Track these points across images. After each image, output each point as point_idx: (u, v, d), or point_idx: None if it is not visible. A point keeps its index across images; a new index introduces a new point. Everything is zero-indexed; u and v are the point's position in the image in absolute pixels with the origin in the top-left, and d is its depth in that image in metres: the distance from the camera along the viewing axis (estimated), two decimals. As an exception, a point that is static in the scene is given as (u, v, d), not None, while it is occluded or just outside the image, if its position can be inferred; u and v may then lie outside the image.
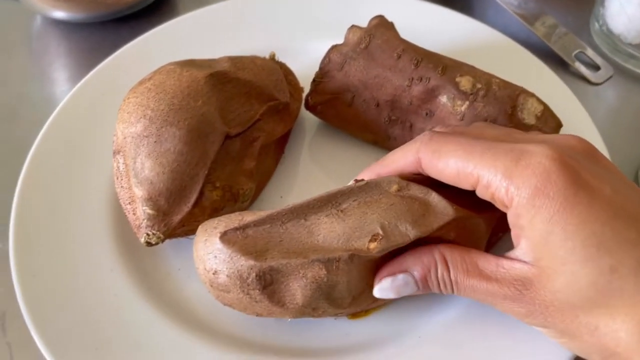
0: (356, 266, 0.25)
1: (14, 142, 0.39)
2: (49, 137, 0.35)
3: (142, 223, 0.29)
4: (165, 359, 0.28)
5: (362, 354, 0.28)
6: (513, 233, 0.24)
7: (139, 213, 0.29)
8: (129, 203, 0.30)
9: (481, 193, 0.24)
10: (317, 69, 0.35)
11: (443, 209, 0.25)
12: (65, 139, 0.35)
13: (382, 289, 0.26)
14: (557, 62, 0.42)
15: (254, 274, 0.25)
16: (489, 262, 0.24)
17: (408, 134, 0.33)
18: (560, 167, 0.22)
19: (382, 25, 0.33)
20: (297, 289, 0.25)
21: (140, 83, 0.31)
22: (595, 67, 0.42)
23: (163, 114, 0.29)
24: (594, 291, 0.22)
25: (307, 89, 0.37)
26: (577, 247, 0.22)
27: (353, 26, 0.33)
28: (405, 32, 0.38)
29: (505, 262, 0.24)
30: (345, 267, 0.25)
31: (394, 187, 0.26)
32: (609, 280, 0.21)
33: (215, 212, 0.30)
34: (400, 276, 0.25)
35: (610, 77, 0.42)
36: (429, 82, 0.31)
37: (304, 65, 0.38)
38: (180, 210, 0.29)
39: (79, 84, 0.37)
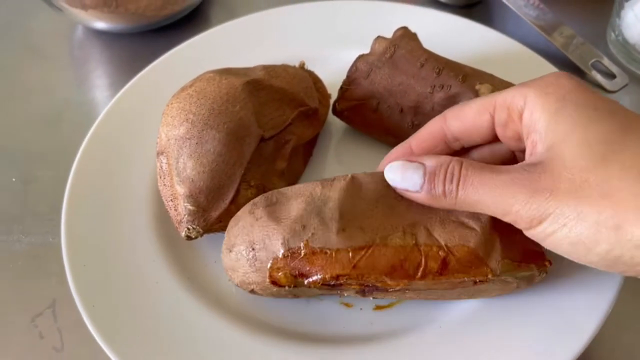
0: (350, 192, 0.27)
1: (61, 144, 0.42)
2: (96, 139, 0.37)
3: (183, 218, 0.31)
4: (200, 342, 0.30)
5: (385, 342, 0.30)
6: (528, 142, 0.25)
7: (181, 209, 0.31)
8: (171, 200, 0.32)
9: (499, 118, 0.26)
10: (343, 76, 0.37)
11: None
12: (110, 141, 0.37)
13: (392, 167, 0.27)
14: (574, 71, 0.44)
15: (263, 197, 0.29)
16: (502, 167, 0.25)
17: (430, 138, 0.35)
18: (568, 75, 0.25)
19: (406, 36, 0.35)
20: (293, 205, 0.28)
21: (182, 89, 0.33)
22: (611, 76, 0.43)
23: (204, 117, 0.31)
24: (604, 146, 0.23)
25: (333, 95, 0.39)
26: (589, 113, 0.23)
27: (379, 37, 0.35)
28: (428, 42, 0.40)
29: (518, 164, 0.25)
30: (339, 185, 0.28)
31: None
32: (621, 135, 0.23)
33: (250, 209, 0.33)
34: (414, 163, 0.26)
35: (626, 85, 0.43)
36: (450, 89, 0.33)
37: (331, 73, 0.41)
38: (218, 206, 0.31)
39: (122, 90, 0.40)
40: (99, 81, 0.47)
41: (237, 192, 0.32)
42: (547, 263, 0.29)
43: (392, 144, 0.36)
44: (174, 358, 0.29)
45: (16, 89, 0.47)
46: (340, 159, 0.38)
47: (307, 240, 0.27)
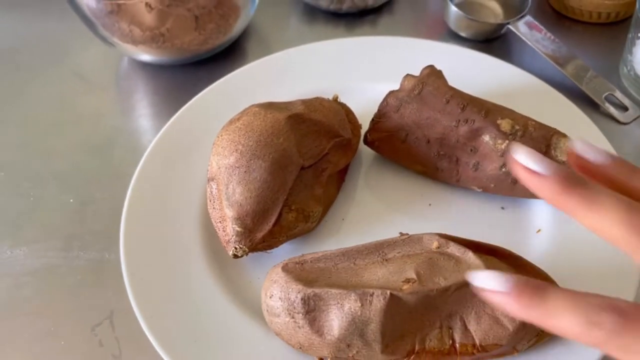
0: (390, 311, 0.28)
1: (113, 168, 0.46)
2: (149, 165, 0.41)
3: (231, 238, 0.35)
4: (244, 350, 0.33)
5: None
6: None
7: (229, 230, 0.35)
8: (220, 222, 0.36)
9: None
10: (373, 108, 0.41)
11: (476, 266, 0.29)
12: (162, 167, 0.41)
13: (483, 276, 0.22)
14: (588, 103, 0.47)
15: (300, 297, 0.29)
16: None
17: (454, 166, 0.38)
18: None
19: (432, 74, 0.38)
20: (334, 319, 0.29)
21: (231, 122, 0.37)
22: (624, 108, 0.46)
23: (252, 148, 0.35)
24: None
25: (364, 125, 0.42)
26: None
27: (407, 75, 0.39)
28: (451, 76, 0.43)
29: None
30: (378, 305, 0.28)
31: (435, 244, 0.31)
32: None
33: (290, 230, 0.36)
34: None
35: (638, 117, 0.46)
36: (473, 123, 0.36)
37: (362, 105, 0.44)
38: (262, 228, 0.35)
39: (171, 119, 0.44)
40: (144, 110, 0.51)
41: (280, 215, 0.35)
42: None
43: (420, 172, 0.40)
44: (224, 365, 0.32)
45: (69, 116, 0.51)
46: (370, 185, 0.42)
47: (352, 356, 0.30)
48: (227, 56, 0.55)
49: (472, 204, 0.39)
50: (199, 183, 0.40)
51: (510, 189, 0.37)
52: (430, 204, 0.40)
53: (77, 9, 0.49)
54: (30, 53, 0.57)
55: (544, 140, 0.36)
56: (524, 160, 0.23)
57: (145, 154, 0.42)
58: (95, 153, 0.48)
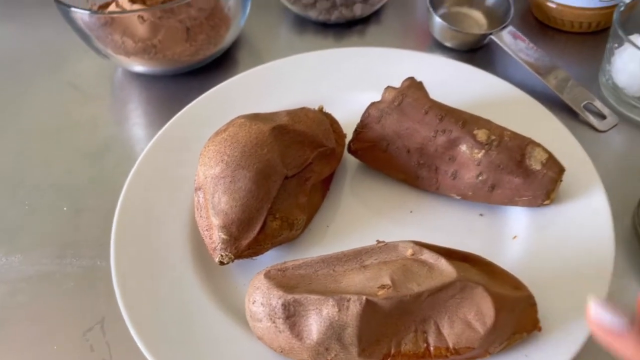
0: (366, 315, 0.29)
1: (107, 176, 0.47)
2: (139, 174, 0.42)
3: (217, 246, 0.36)
4: (228, 354, 0.34)
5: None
6: None
7: (215, 238, 0.36)
8: (207, 230, 0.37)
9: None
10: (357, 117, 0.42)
11: (449, 273, 0.30)
12: (152, 176, 0.42)
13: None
14: (568, 112, 0.48)
15: (280, 303, 0.31)
16: None
17: (434, 175, 0.39)
18: None
19: (412, 86, 0.39)
20: (313, 324, 0.30)
21: (217, 134, 0.38)
22: (602, 116, 0.48)
23: (237, 159, 0.36)
24: None
25: (349, 134, 0.44)
26: None
27: (388, 87, 0.40)
28: (434, 86, 0.45)
29: None
30: (355, 310, 0.29)
31: (409, 252, 0.32)
32: None
33: (275, 238, 0.37)
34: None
35: (615, 125, 0.47)
36: (451, 133, 0.38)
37: (347, 114, 0.46)
38: (248, 236, 0.36)
39: (163, 128, 0.45)
40: (138, 119, 0.53)
41: (264, 223, 0.36)
42: (538, 329, 0.32)
43: (401, 180, 0.41)
44: (209, 368, 0.34)
45: (64, 125, 0.52)
46: (355, 193, 0.43)
47: (330, 359, 0.31)
48: (218, 66, 0.57)
49: (452, 211, 0.41)
50: (187, 192, 0.42)
51: (487, 197, 0.38)
52: (411, 211, 0.41)
53: (72, 22, 0.50)
54: (28, 64, 0.59)
55: (518, 149, 0.37)
56: (599, 319, 0.23)
57: (136, 163, 0.43)
58: (89, 161, 0.49)
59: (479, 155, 0.37)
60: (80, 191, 0.47)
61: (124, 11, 0.50)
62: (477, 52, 0.55)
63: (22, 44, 0.62)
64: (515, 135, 0.38)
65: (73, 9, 0.48)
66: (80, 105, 0.54)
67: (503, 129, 0.38)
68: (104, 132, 0.52)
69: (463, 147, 0.37)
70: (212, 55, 0.55)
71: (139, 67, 0.54)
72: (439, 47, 0.56)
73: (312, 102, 0.47)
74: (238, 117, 0.39)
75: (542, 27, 0.57)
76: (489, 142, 0.37)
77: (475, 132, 0.37)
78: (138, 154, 0.47)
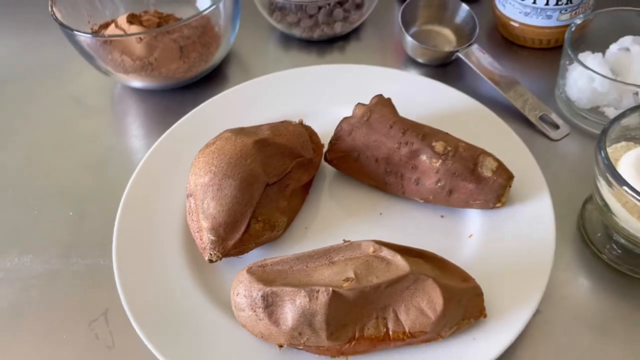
0: (333, 304, 0.34)
1: (108, 184, 0.52)
2: (137, 183, 0.47)
3: (206, 246, 0.41)
4: (216, 339, 0.39)
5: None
6: None
7: (205, 239, 0.41)
8: (197, 232, 0.42)
9: None
10: (334, 129, 0.47)
11: (403, 267, 0.35)
12: (149, 184, 0.47)
13: None
14: (525, 122, 0.53)
15: (260, 294, 0.36)
16: None
17: (399, 181, 0.44)
18: None
19: (379, 103, 0.45)
20: (288, 312, 0.35)
21: (206, 146, 0.43)
22: (556, 127, 0.53)
23: (223, 169, 0.41)
24: None
25: (326, 145, 0.49)
26: None
27: (359, 103, 0.45)
28: (403, 100, 0.50)
29: None
30: (323, 300, 0.34)
31: (371, 249, 0.37)
32: None
33: (258, 238, 0.42)
34: None
35: (568, 134, 0.52)
36: (412, 145, 0.43)
37: (325, 126, 0.51)
38: (233, 237, 0.41)
39: (158, 140, 0.50)
40: (136, 131, 0.58)
41: (248, 225, 0.41)
42: (484, 315, 0.37)
43: (372, 185, 0.46)
44: (197, 350, 0.38)
45: (68, 137, 0.57)
46: (332, 196, 0.48)
47: (304, 342, 0.36)
48: (210, 80, 0.62)
49: (416, 213, 0.46)
50: (180, 198, 0.47)
51: (446, 200, 0.43)
52: (381, 213, 0.46)
53: (76, 44, 0.55)
54: (31, 80, 0.64)
55: (471, 159, 0.42)
56: None
57: (134, 173, 0.48)
58: (91, 171, 0.54)
59: (437, 165, 0.42)
60: (83, 198, 0.51)
61: (124, 34, 0.55)
62: (447, 67, 0.60)
63: (26, 60, 0.66)
64: (469, 147, 0.43)
65: (76, 32, 0.53)
66: (82, 118, 0.59)
67: (459, 140, 0.43)
68: (105, 143, 0.56)
69: (423, 157, 0.42)
70: (204, 71, 0.60)
71: (136, 82, 0.59)
72: (411, 62, 0.62)
73: (294, 115, 0.52)
74: (225, 131, 0.44)
75: (506, 43, 0.63)
76: (445, 152, 0.42)
77: (433, 144, 0.42)
78: (136, 163, 0.52)
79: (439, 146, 0.42)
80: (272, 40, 0.66)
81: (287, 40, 0.66)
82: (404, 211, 0.46)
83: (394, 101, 0.48)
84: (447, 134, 0.44)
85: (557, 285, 0.42)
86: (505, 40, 0.63)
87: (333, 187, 0.49)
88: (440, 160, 0.42)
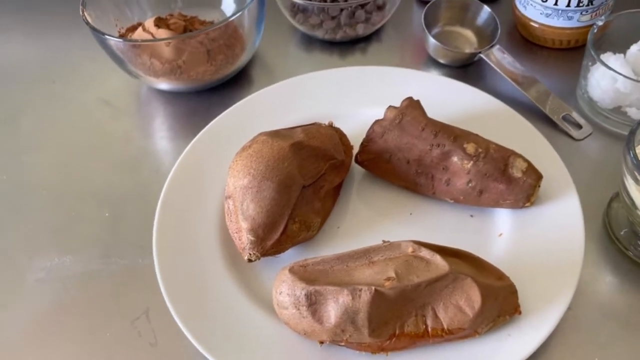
0: (375, 302, 0.35)
1: (142, 185, 0.54)
2: (173, 184, 0.49)
3: (246, 246, 0.42)
4: (258, 337, 0.40)
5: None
6: None
7: (244, 239, 0.42)
8: (236, 232, 0.43)
9: None
10: (362, 130, 0.48)
11: (442, 266, 0.37)
12: (185, 185, 0.49)
13: None
14: (548, 122, 0.54)
15: (304, 293, 0.37)
16: None
17: (430, 182, 0.45)
18: None
19: (410, 106, 0.46)
20: (331, 310, 0.37)
21: (243, 149, 0.44)
22: (579, 126, 0.54)
23: (262, 172, 0.42)
24: None
25: (356, 146, 0.50)
26: None
27: (390, 106, 0.46)
28: (429, 101, 0.51)
29: None
30: (366, 298, 0.35)
31: (410, 249, 0.38)
32: None
33: (295, 238, 0.44)
34: None
35: (590, 134, 0.53)
36: (444, 147, 0.44)
37: (353, 128, 0.52)
38: (272, 237, 0.42)
39: (191, 143, 0.51)
40: (165, 133, 0.59)
41: (286, 226, 0.43)
42: (518, 312, 0.39)
43: (402, 186, 0.47)
44: (240, 346, 0.40)
45: (100, 139, 0.59)
46: (361, 198, 0.49)
47: (346, 339, 0.37)
48: (235, 82, 0.63)
49: (446, 213, 0.47)
50: (216, 199, 0.48)
51: (476, 200, 0.45)
52: (411, 213, 0.47)
53: (106, 47, 0.57)
54: (60, 83, 0.65)
55: (502, 160, 0.44)
56: None
57: (170, 174, 0.49)
58: (124, 172, 0.55)
59: (469, 166, 0.43)
60: (118, 199, 0.53)
61: (154, 39, 0.56)
62: (468, 68, 0.62)
63: (54, 64, 0.68)
64: (499, 148, 0.44)
65: (108, 36, 0.54)
66: (112, 120, 0.60)
67: (489, 142, 0.45)
68: (136, 145, 0.58)
69: (455, 159, 0.44)
70: (230, 73, 0.61)
71: (164, 85, 0.60)
72: (433, 63, 0.63)
73: (322, 117, 0.53)
74: (260, 135, 0.45)
75: (526, 43, 0.64)
76: (476, 154, 0.43)
77: (465, 145, 0.44)
78: (167, 165, 0.54)
79: (470, 148, 0.43)
80: (294, 42, 0.67)
81: (309, 42, 0.67)
82: (434, 211, 0.47)
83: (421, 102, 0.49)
84: (477, 135, 0.45)
85: (585, 282, 0.44)
86: (525, 40, 0.64)
87: (362, 188, 0.50)
88: (472, 162, 0.43)
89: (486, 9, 0.61)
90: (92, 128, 0.60)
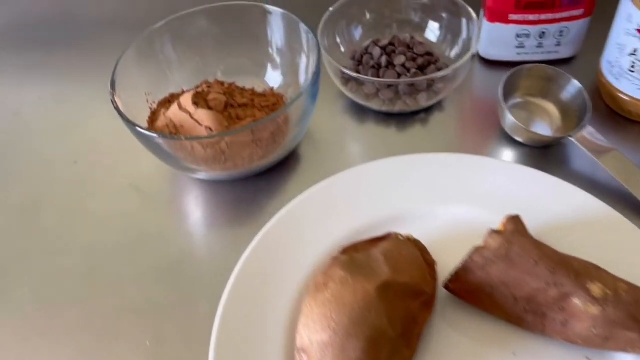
0: None
1: (185, 297, 0.46)
2: (232, 301, 0.41)
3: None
4: None
5: None
6: None
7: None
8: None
9: None
10: (439, 232, 0.43)
11: None
12: (245, 301, 0.41)
13: None
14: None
15: None
16: None
17: (540, 320, 0.38)
18: None
19: (517, 232, 0.38)
20: None
21: (318, 290, 0.37)
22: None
23: (345, 326, 0.35)
24: None
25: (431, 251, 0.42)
26: None
27: (492, 232, 0.39)
28: (517, 198, 0.44)
29: None
30: None
31: None
32: None
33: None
34: None
35: None
36: (563, 287, 0.36)
37: (429, 231, 0.45)
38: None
39: (247, 252, 0.44)
40: (208, 228, 0.50)
41: (374, 390, 0.35)
42: None
43: (501, 318, 0.40)
44: None
45: (132, 236, 0.50)
46: (452, 326, 0.41)
47: None
48: (282, 163, 0.55)
49: (557, 354, 0.39)
50: (282, 309, 0.41)
51: (601, 345, 0.37)
52: (514, 353, 0.40)
53: (142, 140, 0.48)
54: (87, 165, 0.57)
55: (635, 304, 0.36)
56: None
57: (227, 289, 0.41)
58: (164, 280, 0.47)
59: (594, 311, 0.36)
60: (159, 317, 0.45)
61: (200, 137, 0.48)
62: (549, 149, 0.54)
63: (76, 140, 0.60)
64: (630, 288, 0.37)
65: (150, 133, 0.46)
66: (146, 212, 0.52)
67: (616, 279, 0.37)
68: (175, 244, 0.50)
69: (576, 301, 0.36)
70: (279, 157, 0.53)
71: (205, 175, 0.52)
72: (507, 139, 0.55)
73: (391, 216, 0.46)
74: (336, 268, 0.38)
75: (611, 114, 0.56)
76: (604, 297, 0.36)
77: (588, 285, 0.36)
78: (214, 271, 0.46)
79: (595, 289, 0.36)
80: (346, 113, 0.59)
81: (363, 112, 0.59)
82: (543, 351, 0.39)
83: (503, 199, 0.43)
84: (599, 269, 0.37)
85: None
86: (611, 110, 0.56)
87: (451, 315, 0.42)
88: (600, 307, 0.36)
89: (575, 83, 0.53)
90: (121, 221, 0.52)
